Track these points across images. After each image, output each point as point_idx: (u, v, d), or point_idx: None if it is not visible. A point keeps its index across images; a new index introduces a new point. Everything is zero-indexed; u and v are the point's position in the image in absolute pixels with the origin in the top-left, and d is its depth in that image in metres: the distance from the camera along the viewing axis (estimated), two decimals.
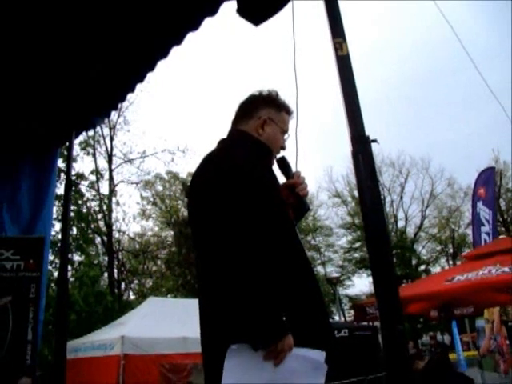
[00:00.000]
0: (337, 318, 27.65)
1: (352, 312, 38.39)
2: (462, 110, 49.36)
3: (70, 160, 5.36)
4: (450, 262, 38.76)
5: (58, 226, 15.81)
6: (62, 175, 14.21)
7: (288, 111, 2.12)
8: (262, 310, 1.49)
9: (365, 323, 16.20)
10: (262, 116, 2.03)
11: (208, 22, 3.53)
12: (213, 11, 3.44)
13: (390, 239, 32.43)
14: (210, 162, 1.88)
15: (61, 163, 12.53)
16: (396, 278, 2.26)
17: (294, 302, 1.64)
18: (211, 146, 2.04)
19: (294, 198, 1.98)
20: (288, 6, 3.07)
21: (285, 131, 2.09)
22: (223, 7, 3.41)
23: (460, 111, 49.26)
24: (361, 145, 2.24)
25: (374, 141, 2.25)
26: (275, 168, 2.03)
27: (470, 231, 26.08)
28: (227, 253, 1.56)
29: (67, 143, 5.37)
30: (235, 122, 2.10)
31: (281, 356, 1.51)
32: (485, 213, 16.52)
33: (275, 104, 2.09)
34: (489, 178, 17.37)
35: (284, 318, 1.54)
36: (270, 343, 1.50)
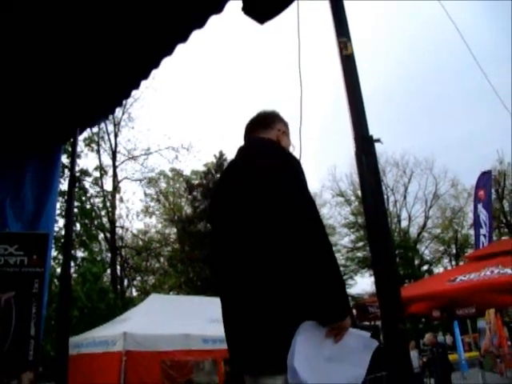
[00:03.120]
0: None
1: (354, 311, 38.57)
2: (468, 109, 49.26)
3: (74, 156, 5.37)
4: (453, 263, 38.73)
5: (61, 222, 15.91)
6: (66, 171, 14.28)
7: (288, 128, 2.41)
8: (333, 292, 1.71)
9: (366, 323, 16.21)
10: (280, 129, 2.32)
11: (214, 20, 3.54)
12: (218, 9, 3.43)
13: (393, 239, 32.41)
14: (256, 154, 2.08)
15: (65, 159, 12.61)
16: (398, 277, 2.26)
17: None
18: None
19: None
20: (293, 5, 3.07)
21: (290, 142, 2.38)
22: (229, 5, 3.41)
23: (465, 111, 49.16)
24: (364, 145, 2.24)
25: (378, 140, 2.26)
26: None
27: (472, 232, 26.07)
28: (305, 237, 1.75)
29: (71, 139, 5.38)
30: (256, 130, 2.32)
31: (341, 333, 1.76)
32: (483, 215, 16.55)
33: (284, 121, 2.38)
34: (487, 181, 17.38)
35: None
36: (337, 321, 1.73)
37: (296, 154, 2.30)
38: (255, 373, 1.84)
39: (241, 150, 2.23)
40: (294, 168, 1.94)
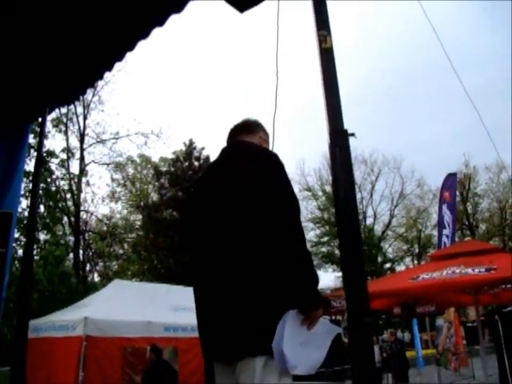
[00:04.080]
0: None
1: None
2: (439, 111, 50.14)
3: (42, 136, 5.25)
4: (415, 262, 39.50)
5: (24, 203, 15.55)
6: (32, 151, 13.96)
7: (269, 138, 2.57)
8: (310, 285, 1.91)
9: (327, 317, 16.42)
10: (262, 136, 2.49)
11: (192, 6, 3.49)
12: None
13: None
14: (244, 156, 2.21)
15: (31, 139, 12.35)
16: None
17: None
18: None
19: None
20: None
21: None
22: None
23: (436, 113, 50.05)
24: (339, 138, 2.25)
25: (352, 135, 2.27)
26: None
27: (435, 232, 26.61)
28: (288, 232, 1.92)
29: (40, 119, 5.25)
30: (241, 134, 2.46)
31: (315, 321, 1.96)
32: (447, 216, 16.91)
33: (265, 131, 2.56)
34: (452, 183, 17.76)
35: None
36: (313, 310, 1.93)
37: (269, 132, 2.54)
38: (233, 357, 1.94)
39: (226, 152, 2.38)
40: (280, 171, 2.10)
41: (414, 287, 6.81)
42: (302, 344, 1.92)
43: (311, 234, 40.95)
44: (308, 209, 40.87)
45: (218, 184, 2.18)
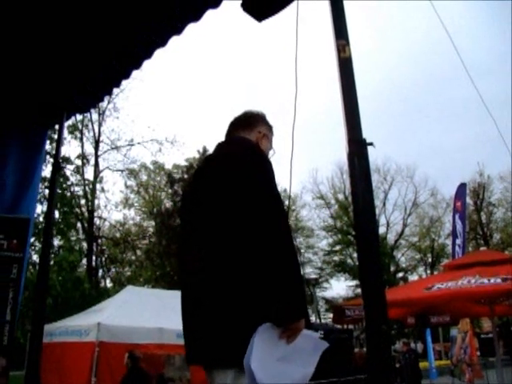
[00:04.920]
0: (313, 318, 27.69)
1: (327, 314, 38.84)
2: (454, 119, 49.84)
3: (59, 142, 5.29)
4: (428, 271, 39.21)
5: (39, 208, 15.69)
6: (47, 157, 14.09)
7: (273, 132, 2.40)
8: (289, 293, 1.70)
9: (339, 326, 16.36)
10: (261, 131, 2.31)
11: (210, 14, 3.53)
12: (216, 3, 3.43)
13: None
14: (230, 155, 2.04)
15: (47, 145, 12.45)
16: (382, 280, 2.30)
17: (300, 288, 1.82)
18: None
19: None
20: (293, 4, 3.07)
21: (272, 147, 2.37)
22: (227, 1, 3.40)
23: (451, 121, 49.77)
24: (357, 147, 2.25)
25: (371, 144, 2.27)
26: None
27: (449, 242, 26.40)
28: (268, 238, 1.75)
29: (57, 125, 5.31)
30: (237, 129, 2.31)
31: (294, 335, 1.75)
32: (459, 226, 16.82)
33: (268, 124, 2.39)
34: (463, 193, 17.67)
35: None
36: (291, 322, 1.72)
37: (273, 158, 2.30)
38: (208, 366, 1.87)
39: (217, 147, 2.23)
40: (264, 169, 1.93)
41: (428, 297, 6.75)
42: (280, 359, 1.76)
43: (323, 242, 40.92)
44: (320, 217, 40.86)
45: (204, 182, 2.07)
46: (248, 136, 2.24)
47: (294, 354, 1.78)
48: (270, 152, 2.35)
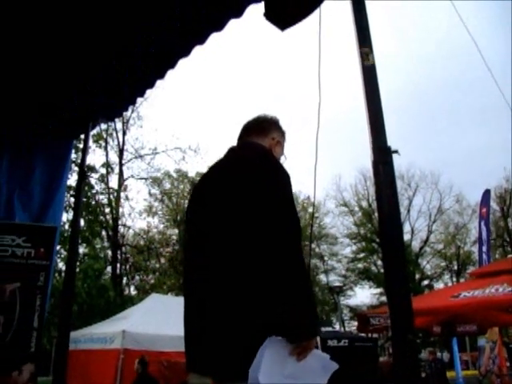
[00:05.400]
0: (337, 327, 27.47)
1: (352, 322, 38.49)
2: (479, 124, 49.09)
3: (85, 151, 5.37)
4: (454, 279, 38.61)
5: (64, 217, 15.91)
6: (72, 166, 14.30)
7: (286, 138, 2.36)
8: (304, 313, 1.69)
9: (363, 334, 16.18)
10: (275, 137, 2.27)
11: (233, 23, 3.55)
12: (238, 13, 3.44)
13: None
14: (247, 163, 1.97)
15: (72, 154, 12.65)
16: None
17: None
18: (223, 147, 2.14)
19: None
20: (315, 13, 3.08)
21: (283, 153, 2.33)
22: (249, 9, 3.42)
23: (476, 126, 49.04)
24: (382, 155, 2.24)
25: (396, 152, 2.26)
26: None
27: (475, 249, 25.99)
28: (284, 256, 1.72)
29: (82, 134, 5.39)
30: (250, 134, 2.26)
31: (305, 353, 1.73)
32: (484, 233, 16.59)
33: (281, 130, 2.34)
34: (488, 199, 17.43)
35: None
36: (304, 340, 1.71)
37: (286, 164, 2.18)
38: (216, 378, 1.81)
39: (230, 152, 2.17)
40: (282, 180, 1.89)
41: (454, 305, 6.68)
42: (288, 377, 1.73)
43: (347, 250, 40.61)
44: (344, 224, 40.57)
45: (211, 192, 2.02)
46: (262, 142, 2.19)
47: (302, 373, 1.76)
48: (282, 158, 2.29)
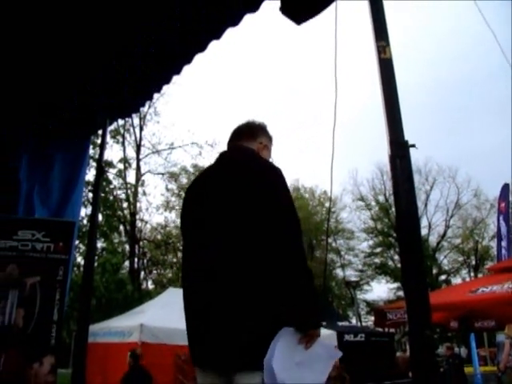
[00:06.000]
0: (354, 321, 27.40)
1: (368, 317, 38.36)
2: (497, 118, 48.44)
3: (103, 146, 5.41)
4: (472, 274, 38.26)
5: (82, 212, 16.07)
6: (91, 161, 14.43)
7: (272, 143, 2.50)
8: (310, 305, 1.86)
9: (380, 329, 16.13)
10: (262, 142, 2.41)
11: (248, 19, 3.54)
12: (254, 7, 3.44)
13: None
14: (245, 163, 2.15)
15: (90, 150, 12.76)
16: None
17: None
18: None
19: None
20: (331, 7, 3.07)
21: (270, 157, 2.47)
22: (265, 4, 3.41)
23: (494, 120, 48.40)
24: (399, 149, 2.23)
25: (413, 146, 2.25)
26: None
27: (493, 244, 25.70)
28: (288, 249, 1.88)
29: (100, 130, 5.43)
30: (240, 139, 2.40)
31: (312, 341, 1.90)
32: (503, 227, 16.37)
33: (269, 135, 2.48)
34: (507, 193, 17.20)
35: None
36: (312, 329, 1.89)
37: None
38: (231, 369, 1.89)
39: (225, 157, 2.31)
40: (277, 177, 2.05)
41: (472, 300, 6.62)
42: (298, 364, 1.89)
43: (364, 244, 40.44)
44: (361, 219, 40.41)
45: (214, 194, 2.12)
46: (250, 145, 2.33)
47: (310, 360, 1.92)
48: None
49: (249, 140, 2.36)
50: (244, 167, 2.11)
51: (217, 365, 1.95)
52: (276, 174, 2.05)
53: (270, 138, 2.47)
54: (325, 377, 1.98)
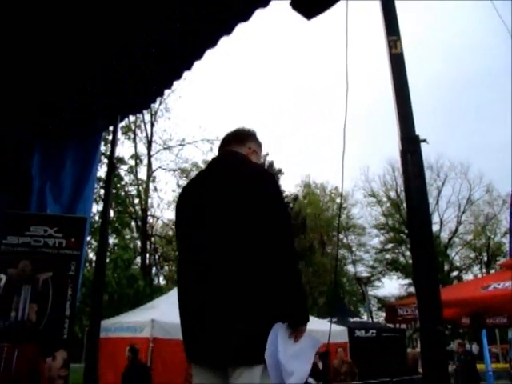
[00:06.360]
0: (365, 317, 27.35)
1: (379, 313, 38.30)
2: (507, 114, 48.00)
3: (114, 143, 5.44)
4: (484, 270, 38.00)
5: (94, 208, 16.16)
6: (102, 158, 14.50)
7: (262, 149, 2.58)
8: (301, 303, 2.00)
9: (391, 325, 16.08)
10: (251, 147, 2.48)
11: (259, 13, 3.54)
12: (265, 2, 3.44)
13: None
14: (237, 167, 2.24)
15: (102, 146, 12.83)
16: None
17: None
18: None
19: None
20: (342, 1, 3.06)
21: (259, 162, 2.56)
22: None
23: (506, 116, 47.96)
24: (410, 144, 2.22)
25: (424, 141, 2.23)
26: None
27: (505, 240, 25.49)
28: (280, 251, 1.97)
29: (111, 127, 5.45)
30: (230, 144, 2.47)
31: (300, 335, 2.04)
32: None
33: (258, 141, 2.55)
34: None
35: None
36: (302, 325, 2.02)
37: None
38: (228, 364, 1.96)
39: (217, 162, 2.39)
40: (275, 184, 2.16)
41: (484, 297, 6.58)
42: (292, 356, 2.01)
43: (375, 240, 40.28)
44: (372, 215, 40.24)
45: (207, 199, 2.17)
46: (240, 151, 2.40)
47: (299, 352, 2.05)
48: None
49: (238, 145, 2.43)
50: (235, 171, 2.19)
51: (212, 361, 2.04)
52: (267, 177, 2.15)
53: (259, 144, 2.55)
54: (309, 365, 2.12)
